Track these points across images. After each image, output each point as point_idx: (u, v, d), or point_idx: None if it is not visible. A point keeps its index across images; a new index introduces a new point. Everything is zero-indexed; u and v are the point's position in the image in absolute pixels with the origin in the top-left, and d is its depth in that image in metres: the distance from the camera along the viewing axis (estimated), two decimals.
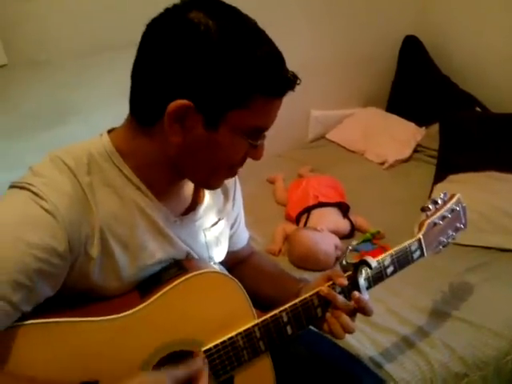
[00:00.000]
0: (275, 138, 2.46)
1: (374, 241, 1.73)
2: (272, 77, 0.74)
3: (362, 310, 0.94)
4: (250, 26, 0.75)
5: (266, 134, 0.81)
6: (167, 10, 0.77)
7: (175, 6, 0.76)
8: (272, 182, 2.18)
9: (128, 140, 0.82)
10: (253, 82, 0.73)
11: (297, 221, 1.86)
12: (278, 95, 0.76)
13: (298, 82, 0.76)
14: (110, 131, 0.85)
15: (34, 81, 1.81)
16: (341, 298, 0.92)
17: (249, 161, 0.85)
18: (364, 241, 1.72)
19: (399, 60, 2.63)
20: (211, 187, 0.91)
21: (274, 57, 0.75)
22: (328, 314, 0.93)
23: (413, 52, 2.59)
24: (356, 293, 0.93)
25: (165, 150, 0.79)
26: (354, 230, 1.80)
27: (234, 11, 0.76)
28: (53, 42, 1.82)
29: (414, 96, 2.54)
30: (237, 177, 1.05)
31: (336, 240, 1.67)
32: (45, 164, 0.78)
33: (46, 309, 0.76)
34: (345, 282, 0.93)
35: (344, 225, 1.79)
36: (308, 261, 1.60)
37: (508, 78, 2.28)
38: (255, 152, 0.82)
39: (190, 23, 0.72)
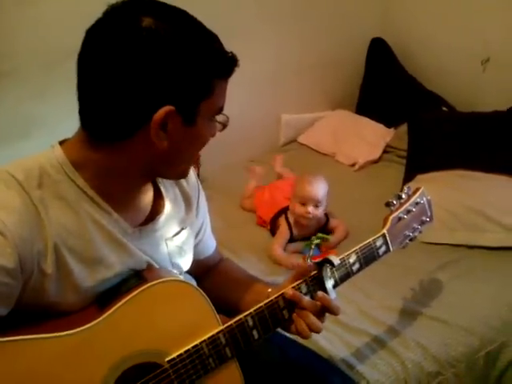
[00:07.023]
0: (247, 142, 2.45)
1: (323, 248, 1.64)
2: (223, 60, 0.79)
3: (327, 309, 0.92)
4: (192, 21, 0.78)
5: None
6: (110, 20, 0.75)
7: (118, 14, 0.75)
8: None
9: (82, 152, 0.79)
10: (211, 70, 0.78)
11: (272, 224, 1.82)
12: (229, 75, 0.81)
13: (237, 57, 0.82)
14: (61, 142, 0.82)
15: None
16: (306, 299, 0.91)
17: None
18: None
19: (367, 62, 2.65)
20: (187, 175, 0.92)
21: (217, 42, 0.80)
22: (294, 315, 0.92)
23: (380, 54, 2.61)
24: (320, 292, 0.92)
25: (128, 161, 0.79)
26: (326, 226, 1.79)
27: (175, 10, 0.77)
28: (17, 50, 1.77)
29: (383, 97, 2.57)
30: (200, 184, 1.04)
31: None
32: None
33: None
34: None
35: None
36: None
37: (472, 76, 2.32)
38: (215, 128, 0.86)
39: (147, 33, 0.72)
